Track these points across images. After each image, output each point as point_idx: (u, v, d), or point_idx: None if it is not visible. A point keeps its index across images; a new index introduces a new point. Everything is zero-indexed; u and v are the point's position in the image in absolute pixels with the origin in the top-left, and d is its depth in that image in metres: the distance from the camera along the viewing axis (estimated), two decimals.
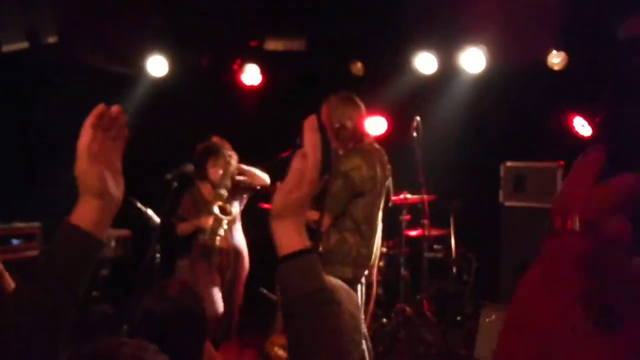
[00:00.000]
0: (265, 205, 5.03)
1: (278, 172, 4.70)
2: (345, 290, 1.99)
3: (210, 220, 4.63)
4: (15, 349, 1.11)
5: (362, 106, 3.93)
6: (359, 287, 3.83)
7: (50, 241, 1.23)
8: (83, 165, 1.24)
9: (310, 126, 1.26)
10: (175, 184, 4.63)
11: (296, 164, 1.26)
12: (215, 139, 4.89)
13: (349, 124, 3.84)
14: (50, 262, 1.20)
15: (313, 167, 1.25)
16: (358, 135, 3.89)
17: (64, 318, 1.16)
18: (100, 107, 1.27)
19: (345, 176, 3.74)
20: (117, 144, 1.29)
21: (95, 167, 1.25)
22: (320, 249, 3.81)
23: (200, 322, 2.00)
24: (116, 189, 1.28)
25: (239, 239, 4.91)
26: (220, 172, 4.68)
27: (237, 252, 4.86)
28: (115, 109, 1.28)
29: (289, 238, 1.24)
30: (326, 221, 3.75)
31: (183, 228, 4.81)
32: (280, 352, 2.64)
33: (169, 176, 4.61)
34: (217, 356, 2.12)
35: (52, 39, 5.41)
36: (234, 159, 4.72)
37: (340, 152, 3.88)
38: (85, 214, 1.23)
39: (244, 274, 4.94)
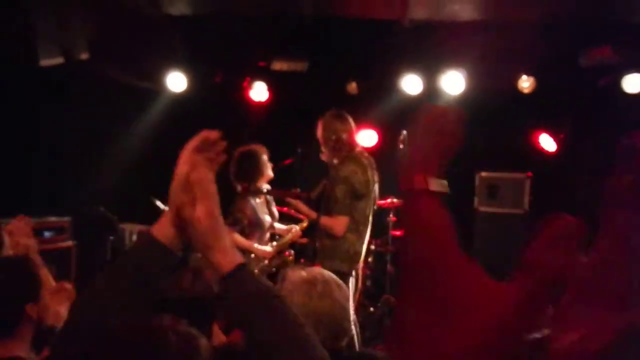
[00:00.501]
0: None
1: (281, 177, 4.71)
2: (337, 283, 1.99)
3: (268, 253, 4.30)
4: (89, 337, 1.09)
5: (352, 121, 3.96)
6: (351, 279, 3.83)
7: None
8: (177, 189, 1.15)
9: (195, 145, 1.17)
10: None
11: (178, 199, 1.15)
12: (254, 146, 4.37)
13: (344, 135, 3.86)
14: (126, 262, 1.19)
15: (199, 183, 1.15)
16: (350, 145, 3.91)
17: (136, 308, 1.14)
18: (204, 133, 1.18)
19: (345, 181, 3.75)
20: (211, 166, 1.18)
21: (187, 194, 1.14)
22: (317, 245, 3.81)
23: (209, 308, 2.00)
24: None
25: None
26: (270, 170, 4.34)
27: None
28: (214, 134, 1.20)
29: (222, 259, 1.14)
30: (343, 224, 3.74)
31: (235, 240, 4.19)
32: None
33: None
34: (223, 337, 2.12)
35: (84, 56, 5.42)
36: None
37: (335, 161, 3.88)
38: (165, 227, 1.17)
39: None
